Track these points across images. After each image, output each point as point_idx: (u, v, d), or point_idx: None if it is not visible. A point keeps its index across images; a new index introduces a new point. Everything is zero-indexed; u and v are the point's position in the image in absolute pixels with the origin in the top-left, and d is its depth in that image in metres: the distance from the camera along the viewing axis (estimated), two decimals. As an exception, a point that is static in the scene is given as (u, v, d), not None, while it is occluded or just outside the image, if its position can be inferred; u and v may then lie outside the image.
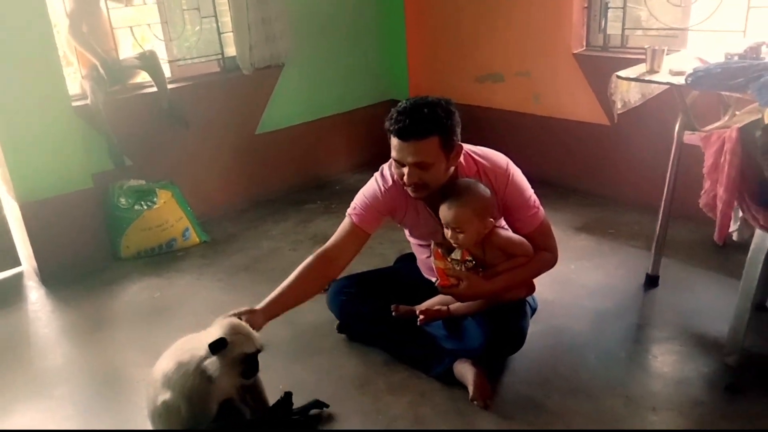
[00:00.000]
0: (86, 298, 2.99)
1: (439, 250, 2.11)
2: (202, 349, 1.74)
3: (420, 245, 2.37)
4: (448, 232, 2.05)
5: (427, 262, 2.37)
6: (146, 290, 3.05)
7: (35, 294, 3.09)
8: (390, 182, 2.16)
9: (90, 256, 3.27)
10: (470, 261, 2.08)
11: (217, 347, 1.71)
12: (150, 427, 1.85)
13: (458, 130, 2.01)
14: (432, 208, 2.14)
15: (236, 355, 1.73)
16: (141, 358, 2.48)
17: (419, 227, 2.26)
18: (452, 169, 2.06)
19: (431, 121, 1.93)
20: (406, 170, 1.99)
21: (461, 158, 2.09)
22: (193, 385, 1.73)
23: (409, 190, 2.05)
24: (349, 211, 2.22)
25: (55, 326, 2.85)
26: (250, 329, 1.79)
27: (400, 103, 1.99)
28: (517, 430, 1.96)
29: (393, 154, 2.01)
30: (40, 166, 3.04)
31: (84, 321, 2.83)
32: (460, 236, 2.03)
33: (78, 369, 2.49)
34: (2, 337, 2.74)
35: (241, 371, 1.77)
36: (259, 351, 1.78)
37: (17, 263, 3.30)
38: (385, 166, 2.19)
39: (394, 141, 1.98)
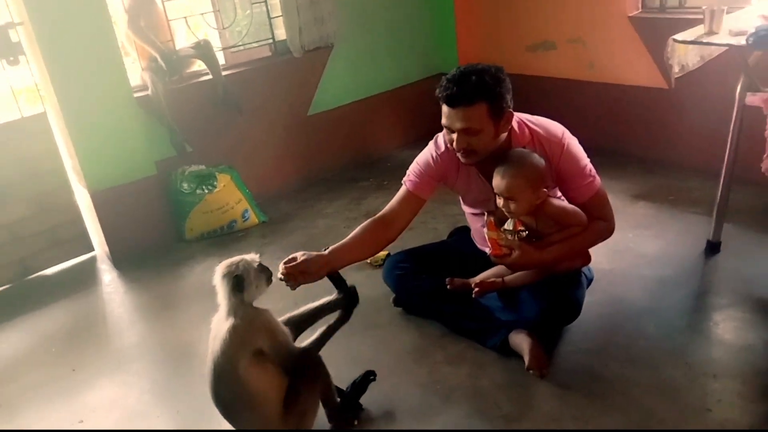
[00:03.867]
0: (156, 279, 3.15)
1: (492, 220, 2.12)
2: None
3: (473, 214, 2.40)
4: (500, 201, 2.07)
5: (480, 231, 2.39)
6: (210, 270, 3.09)
7: (108, 276, 3.28)
8: (443, 148, 2.20)
9: (157, 240, 3.43)
10: (523, 231, 2.09)
11: (240, 285, 1.81)
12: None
13: (508, 97, 2.01)
14: (484, 174, 2.17)
15: (255, 276, 1.85)
16: (209, 334, 2.61)
17: (471, 193, 2.29)
18: (503, 136, 2.08)
19: (479, 88, 1.95)
20: (455, 136, 2.03)
21: (515, 126, 2.11)
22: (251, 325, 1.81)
23: (459, 155, 2.09)
24: (404, 179, 2.29)
25: (128, 306, 3.02)
26: (237, 257, 1.87)
27: (450, 71, 2.02)
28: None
29: (443, 120, 2.05)
30: (108, 156, 3.21)
31: (155, 300, 3.00)
32: (513, 205, 2.04)
33: (152, 345, 2.65)
34: (81, 317, 2.92)
35: (265, 281, 1.89)
36: (256, 260, 1.88)
37: (91, 248, 3.50)
38: (440, 135, 2.24)
39: (444, 108, 2.03)
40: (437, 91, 2.03)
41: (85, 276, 3.31)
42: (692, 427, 1.84)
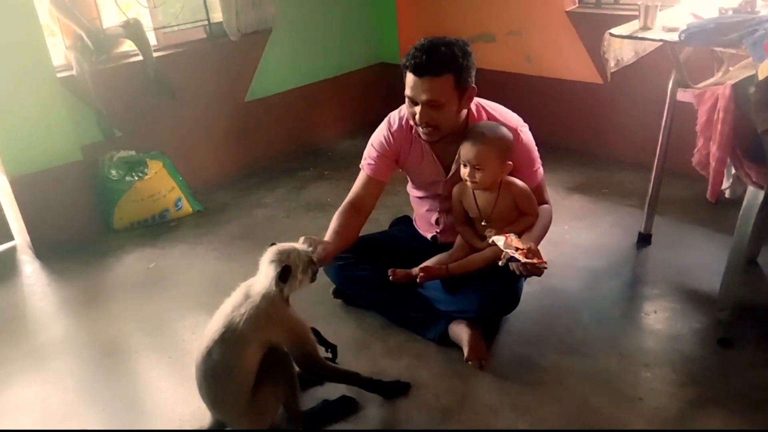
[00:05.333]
0: (81, 271, 2.99)
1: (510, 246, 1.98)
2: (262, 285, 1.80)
3: (419, 198, 2.41)
4: (465, 171, 2.07)
5: (425, 216, 2.42)
6: (141, 261, 3.04)
7: (30, 268, 3.08)
8: (395, 126, 2.22)
9: (83, 229, 3.25)
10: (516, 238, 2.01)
11: (285, 276, 1.78)
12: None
13: (473, 73, 2.03)
14: (438, 154, 2.19)
15: (303, 270, 1.82)
16: (138, 329, 2.50)
17: (422, 174, 2.29)
18: (464, 113, 2.10)
19: (447, 59, 1.95)
20: (418, 109, 2.02)
21: (473, 109, 2.14)
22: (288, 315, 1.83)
23: (420, 131, 2.09)
24: (361, 163, 2.29)
25: (51, 299, 2.85)
26: (290, 245, 1.85)
27: (419, 41, 2.01)
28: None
29: (407, 91, 2.03)
30: (28, 140, 3.00)
31: (80, 293, 2.83)
32: (478, 174, 2.04)
33: (76, 341, 2.50)
34: (-1, 311, 2.75)
35: (311, 277, 1.87)
36: (310, 253, 1.88)
37: (10, 237, 3.28)
38: (393, 114, 2.25)
39: (409, 77, 2.00)
40: (403, 60, 2.01)
41: (4, 267, 3.10)
42: (625, 415, 1.88)
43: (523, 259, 1.91)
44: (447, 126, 2.05)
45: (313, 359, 1.88)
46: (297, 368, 1.89)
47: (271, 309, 1.77)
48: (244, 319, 1.74)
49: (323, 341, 2.13)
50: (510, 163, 2.07)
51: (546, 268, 1.94)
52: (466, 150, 2.05)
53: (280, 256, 1.79)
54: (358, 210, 2.25)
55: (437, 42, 1.98)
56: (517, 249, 1.93)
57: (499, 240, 1.97)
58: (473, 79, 2.04)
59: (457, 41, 2.01)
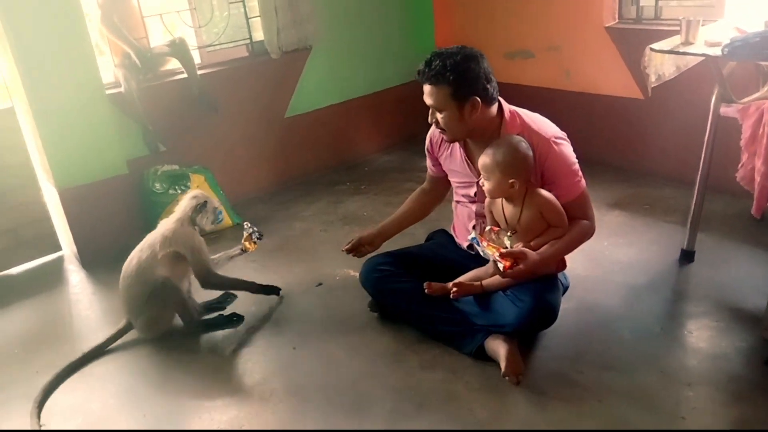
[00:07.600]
0: (125, 281, 3.06)
1: (483, 234, 2.13)
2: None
3: (458, 202, 2.45)
4: (482, 178, 2.15)
5: (463, 222, 2.44)
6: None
7: (76, 277, 3.18)
8: (433, 126, 2.32)
9: (127, 240, 3.29)
10: (505, 232, 2.10)
11: (201, 210, 2.51)
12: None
13: (475, 85, 2.07)
14: (470, 158, 2.27)
15: (211, 212, 2.56)
16: (178, 339, 2.55)
17: (455, 174, 2.38)
18: (473, 119, 2.11)
19: (438, 73, 2.08)
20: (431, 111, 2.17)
21: (507, 116, 2.17)
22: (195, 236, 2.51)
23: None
24: None
25: (96, 308, 2.93)
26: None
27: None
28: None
29: None
30: (77, 154, 3.12)
31: (123, 303, 2.91)
32: (486, 184, 2.12)
33: (118, 348, 2.56)
34: (46, 319, 2.83)
35: (213, 221, 2.60)
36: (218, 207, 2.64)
37: (58, 248, 3.40)
38: None
39: None
40: None
41: (52, 276, 3.21)
42: (666, 434, 1.84)
43: (483, 244, 2.06)
44: (453, 130, 2.15)
45: (207, 269, 2.48)
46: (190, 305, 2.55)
47: (179, 229, 2.44)
48: (159, 236, 2.44)
49: (265, 288, 2.68)
50: (513, 180, 2.06)
51: (502, 270, 2.03)
52: (479, 158, 2.12)
53: (198, 197, 2.49)
54: (426, 192, 2.60)
55: (437, 54, 2.11)
56: (496, 249, 2.05)
57: (472, 232, 2.16)
58: (480, 91, 2.07)
59: (458, 53, 2.08)
